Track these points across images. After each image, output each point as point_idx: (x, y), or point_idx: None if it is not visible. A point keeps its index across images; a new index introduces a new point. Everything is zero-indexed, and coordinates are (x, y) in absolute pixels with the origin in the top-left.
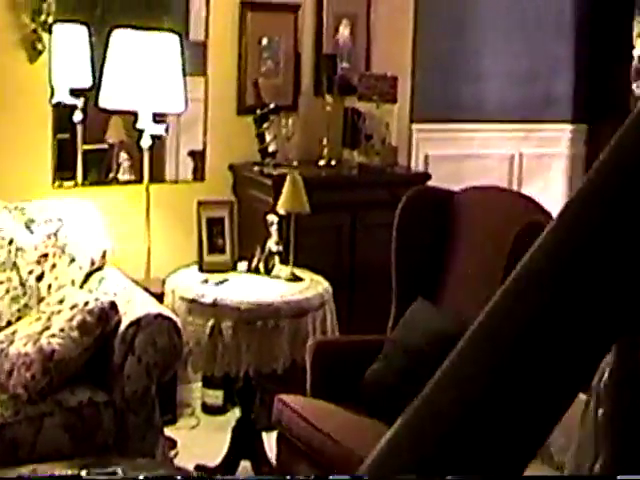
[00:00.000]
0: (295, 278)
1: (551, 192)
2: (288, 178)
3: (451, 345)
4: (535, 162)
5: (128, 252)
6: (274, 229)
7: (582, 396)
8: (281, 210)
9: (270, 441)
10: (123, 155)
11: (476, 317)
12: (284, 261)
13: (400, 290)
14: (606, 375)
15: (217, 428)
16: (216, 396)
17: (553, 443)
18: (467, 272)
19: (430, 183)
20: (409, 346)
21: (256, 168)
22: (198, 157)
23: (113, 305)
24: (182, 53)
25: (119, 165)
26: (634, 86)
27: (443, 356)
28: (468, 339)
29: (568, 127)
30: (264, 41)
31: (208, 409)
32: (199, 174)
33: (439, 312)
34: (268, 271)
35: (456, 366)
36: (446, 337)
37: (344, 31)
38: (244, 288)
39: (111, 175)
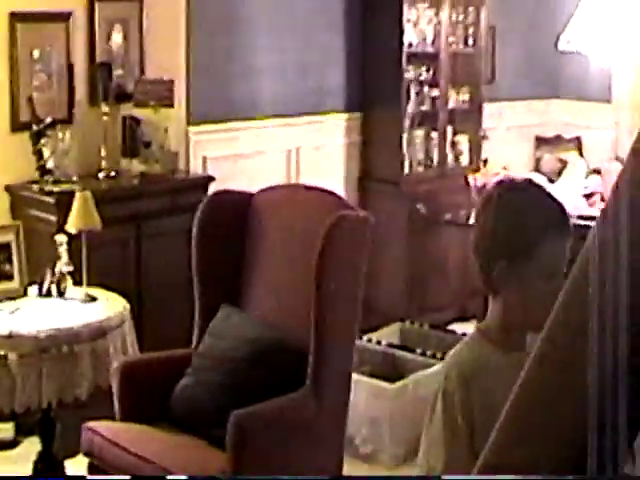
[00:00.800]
0: (90, 298)
1: (330, 183)
2: (77, 196)
3: (263, 351)
4: (312, 154)
5: None
6: (63, 249)
7: (390, 386)
8: (72, 229)
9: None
10: None
11: (285, 320)
12: (76, 282)
13: (204, 299)
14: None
15: (11, 462)
16: (6, 429)
17: (357, 435)
18: (274, 275)
19: (212, 185)
20: (219, 357)
21: (35, 187)
22: None
23: None
24: None
25: None
26: (405, 71)
27: (256, 364)
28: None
29: (343, 116)
30: (36, 53)
31: None
32: None
33: (247, 319)
34: (61, 294)
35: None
36: (257, 344)
37: (117, 37)
38: (39, 315)
39: None
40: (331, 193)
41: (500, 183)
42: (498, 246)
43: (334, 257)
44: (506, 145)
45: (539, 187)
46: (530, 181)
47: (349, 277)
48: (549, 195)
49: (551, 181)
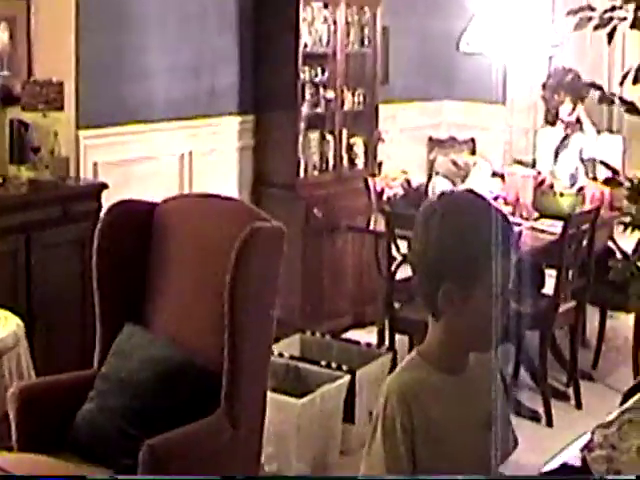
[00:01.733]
0: None
1: (224, 186)
2: None
3: (172, 373)
4: (206, 158)
5: None
6: None
7: (296, 401)
8: None
9: None
10: None
11: (195, 339)
12: None
13: (105, 317)
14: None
15: None
16: None
17: (262, 452)
18: (181, 291)
19: (105, 192)
20: (124, 379)
21: None
22: None
23: None
24: None
25: None
26: (300, 72)
27: (164, 386)
28: None
29: (236, 119)
30: None
31: None
32: None
33: (153, 338)
34: None
35: None
36: (165, 365)
37: (3, 36)
38: None
39: None
40: (240, 203)
41: (440, 197)
42: (443, 267)
43: (248, 271)
44: (400, 147)
45: (482, 201)
46: (473, 195)
47: (264, 292)
48: (495, 209)
49: (454, 184)
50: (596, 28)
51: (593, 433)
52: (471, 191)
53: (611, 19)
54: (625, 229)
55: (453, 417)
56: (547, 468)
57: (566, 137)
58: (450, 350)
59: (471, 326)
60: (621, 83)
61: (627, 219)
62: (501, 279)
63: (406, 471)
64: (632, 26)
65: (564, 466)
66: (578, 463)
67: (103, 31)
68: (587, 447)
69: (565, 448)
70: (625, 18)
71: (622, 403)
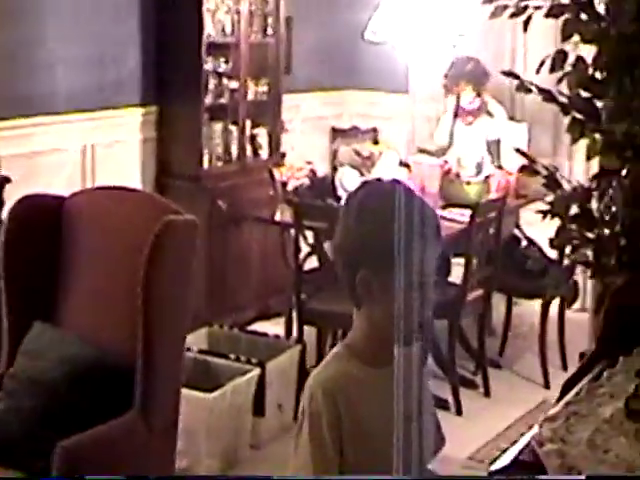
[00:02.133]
0: None
1: (127, 179)
2: None
3: (82, 371)
4: (108, 150)
5: None
6: None
7: (207, 396)
8: None
9: None
10: None
11: (107, 337)
12: None
13: (13, 315)
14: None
15: None
16: None
17: None
18: (92, 287)
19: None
20: (34, 379)
21: None
22: None
23: None
24: None
25: None
26: (204, 63)
27: (75, 385)
28: None
29: (139, 111)
30: None
31: None
32: None
33: (63, 336)
34: None
35: None
36: (75, 363)
37: None
38: None
39: None
40: (151, 196)
41: (364, 185)
42: (360, 255)
43: (162, 266)
44: (303, 137)
45: (405, 190)
46: (396, 183)
47: (178, 286)
48: (418, 199)
49: (361, 174)
50: (512, 16)
51: (541, 426)
52: (395, 180)
53: (526, 7)
54: (544, 217)
55: (379, 411)
56: (497, 465)
57: (454, 121)
58: (373, 342)
59: (390, 316)
60: (537, 71)
61: (545, 207)
62: (421, 269)
63: (333, 466)
64: (547, 15)
65: (516, 462)
66: (526, 457)
67: (1, 22)
68: (536, 441)
69: (514, 444)
70: (540, 7)
71: (562, 395)
